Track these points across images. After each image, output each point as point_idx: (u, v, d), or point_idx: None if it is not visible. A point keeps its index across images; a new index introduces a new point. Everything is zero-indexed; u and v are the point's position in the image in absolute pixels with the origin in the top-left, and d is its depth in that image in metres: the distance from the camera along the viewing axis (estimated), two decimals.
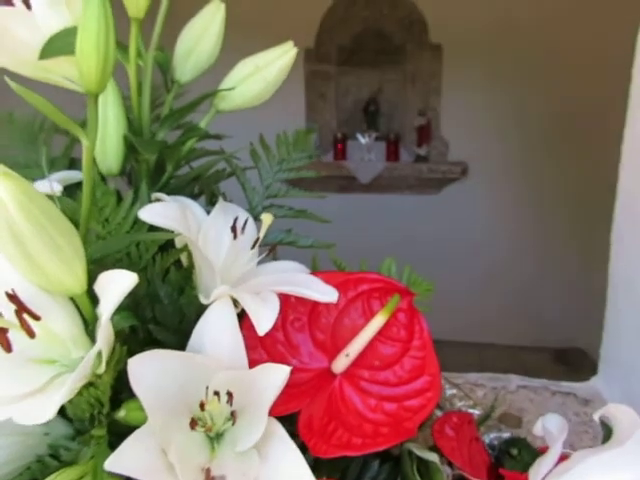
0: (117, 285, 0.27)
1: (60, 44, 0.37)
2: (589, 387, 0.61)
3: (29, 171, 0.49)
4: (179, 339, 0.39)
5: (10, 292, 0.28)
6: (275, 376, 0.31)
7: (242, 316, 0.36)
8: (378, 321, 0.40)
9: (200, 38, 0.48)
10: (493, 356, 2.46)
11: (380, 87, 2.81)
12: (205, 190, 0.47)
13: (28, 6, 0.39)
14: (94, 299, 0.33)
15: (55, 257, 0.27)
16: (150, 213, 0.35)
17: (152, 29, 0.47)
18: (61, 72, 0.42)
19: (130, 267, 0.42)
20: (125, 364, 0.31)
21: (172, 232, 0.38)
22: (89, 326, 0.34)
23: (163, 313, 0.39)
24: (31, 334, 0.28)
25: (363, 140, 2.71)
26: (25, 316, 0.28)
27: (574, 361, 2.45)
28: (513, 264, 2.73)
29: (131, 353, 0.32)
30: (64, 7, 0.38)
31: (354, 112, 2.83)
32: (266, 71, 0.46)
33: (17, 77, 0.39)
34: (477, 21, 2.52)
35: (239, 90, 0.45)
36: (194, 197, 0.51)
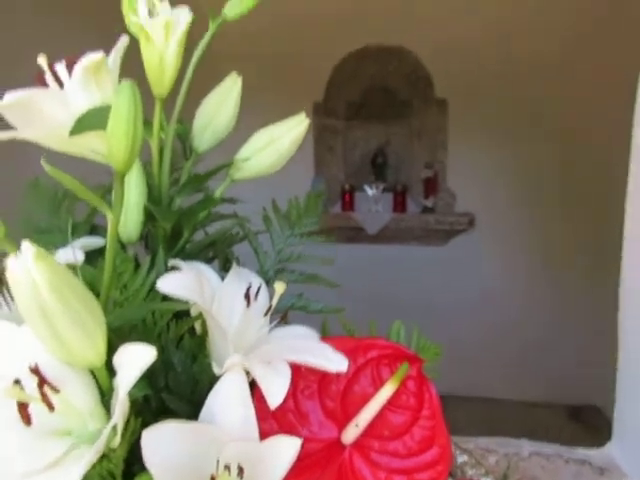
0: (137, 360, 0.28)
1: (89, 121, 0.39)
2: (604, 455, 0.60)
3: (51, 236, 0.51)
4: (192, 408, 0.40)
5: (33, 366, 0.29)
6: (286, 450, 0.32)
7: (253, 385, 0.37)
8: (388, 390, 0.41)
9: (217, 111, 0.51)
10: (505, 412, 2.40)
11: (387, 140, 2.88)
12: (219, 255, 0.49)
13: (61, 86, 0.42)
14: (111, 369, 0.34)
15: (79, 332, 0.28)
16: (168, 284, 0.36)
17: (172, 100, 0.50)
18: (87, 146, 0.44)
19: (145, 334, 0.43)
20: (138, 435, 0.31)
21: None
22: (105, 397, 0.34)
23: (176, 381, 0.39)
24: (51, 407, 0.29)
25: (370, 191, 2.76)
26: (46, 389, 0.29)
27: (589, 419, 2.38)
28: (525, 317, 2.70)
29: (144, 423, 0.33)
30: (94, 87, 0.41)
31: (362, 164, 2.89)
32: (280, 142, 0.48)
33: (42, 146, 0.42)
34: (480, 77, 2.61)
35: (254, 161, 0.47)
36: (208, 261, 0.52)
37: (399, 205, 2.78)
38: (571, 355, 2.62)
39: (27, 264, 0.25)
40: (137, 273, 0.44)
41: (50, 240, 0.51)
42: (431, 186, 2.75)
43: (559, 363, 2.64)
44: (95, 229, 0.49)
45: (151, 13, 0.37)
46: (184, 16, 0.38)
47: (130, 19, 0.40)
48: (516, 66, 2.58)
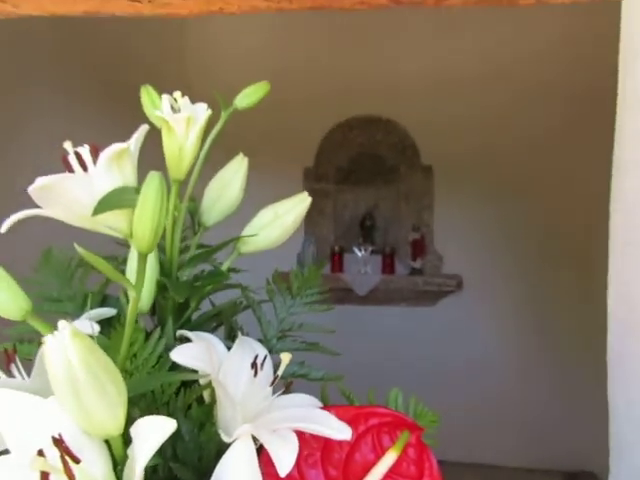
0: (156, 431, 0.30)
1: (111, 202, 0.43)
2: None
3: (62, 305, 0.53)
4: (198, 477, 0.41)
5: (57, 437, 0.30)
6: None
7: (259, 452, 0.38)
8: (390, 458, 0.42)
9: (225, 190, 0.55)
10: (501, 479, 2.34)
11: (376, 203, 2.97)
12: (225, 324, 0.51)
13: (85, 169, 0.45)
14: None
15: (104, 404, 0.30)
16: (181, 355, 0.38)
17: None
18: (104, 222, 0.48)
19: (153, 402, 0.44)
20: None
21: (196, 371, 0.41)
22: (117, 466, 0.36)
23: (184, 450, 0.41)
24: (72, 478, 0.30)
25: (360, 253, 2.81)
26: (67, 459, 0.31)
27: None
28: (516, 380, 2.68)
29: None
30: (117, 170, 0.45)
31: (351, 226, 2.96)
32: (284, 218, 0.52)
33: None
34: (463, 145, 2.73)
35: (260, 235, 0.51)
36: (212, 329, 0.55)
37: (388, 267, 2.83)
38: (567, 420, 2.59)
39: (64, 342, 0.28)
40: (147, 343, 0.46)
41: (61, 309, 0.53)
42: (418, 248, 2.81)
43: (554, 429, 2.60)
44: (106, 299, 0.51)
45: (173, 108, 0.42)
46: (202, 111, 0.42)
47: (153, 112, 0.45)
48: (499, 135, 2.72)
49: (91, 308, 0.48)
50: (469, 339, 2.74)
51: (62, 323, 0.27)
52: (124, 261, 0.49)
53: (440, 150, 2.78)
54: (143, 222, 0.34)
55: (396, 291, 2.78)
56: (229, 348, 0.47)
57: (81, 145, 0.46)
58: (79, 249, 0.34)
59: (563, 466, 2.54)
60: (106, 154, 0.42)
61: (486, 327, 2.75)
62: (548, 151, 2.66)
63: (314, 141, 2.92)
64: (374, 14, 2.79)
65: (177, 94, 0.41)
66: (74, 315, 0.51)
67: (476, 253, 2.79)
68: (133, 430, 0.33)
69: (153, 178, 0.34)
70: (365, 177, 2.95)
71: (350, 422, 0.43)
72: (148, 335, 0.48)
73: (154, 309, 0.55)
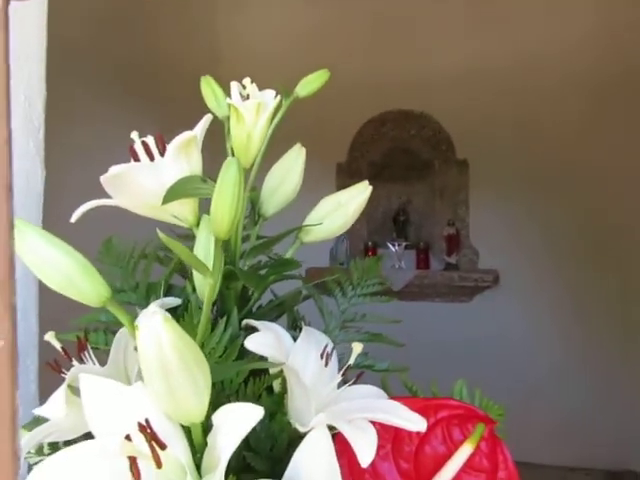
0: (244, 419, 0.30)
1: (179, 190, 0.43)
2: None
3: (124, 295, 0.53)
4: (271, 466, 0.40)
5: (144, 422, 0.30)
6: None
7: None
8: (465, 451, 0.41)
9: (284, 179, 0.54)
10: (540, 477, 2.29)
11: (409, 199, 2.94)
12: (288, 315, 0.50)
13: (152, 159, 0.45)
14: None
15: (191, 389, 0.30)
16: (255, 343, 0.38)
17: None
18: (171, 211, 0.48)
19: (222, 392, 0.44)
20: None
21: (265, 360, 0.41)
22: (196, 454, 0.36)
23: (256, 439, 0.40)
24: (159, 463, 0.30)
25: (394, 248, 2.78)
26: (155, 445, 0.31)
27: None
28: (555, 376, 2.62)
29: None
30: (184, 159, 0.45)
31: (384, 222, 2.93)
32: (347, 207, 0.51)
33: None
34: (498, 139, 2.68)
35: (324, 224, 0.50)
36: (273, 320, 0.54)
37: (422, 262, 2.79)
38: (609, 417, 2.51)
39: (156, 326, 0.27)
40: (213, 332, 0.46)
41: (124, 299, 0.53)
42: (454, 243, 2.77)
43: (595, 426, 2.53)
44: (170, 289, 0.51)
45: (242, 95, 0.41)
46: (271, 98, 0.41)
47: (214, 102, 0.44)
48: (534, 129, 2.65)
49: (157, 298, 0.48)
50: (506, 334, 2.69)
51: (153, 307, 0.27)
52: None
53: (475, 144, 2.73)
54: (222, 208, 0.34)
55: (431, 286, 2.74)
56: (292, 338, 0.47)
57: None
58: (161, 234, 0.34)
59: (605, 465, 2.47)
60: (175, 143, 0.42)
61: (523, 322, 2.69)
62: (584, 145, 2.59)
63: (347, 136, 2.91)
64: (406, 7, 2.76)
65: (246, 81, 0.41)
66: (138, 306, 0.52)
67: (512, 248, 2.73)
68: (217, 417, 0.33)
69: (231, 164, 0.34)
70: (398, 173, 2.92)
71: (419, 414, 0.42)
72: (212, 325, 0.48)
73: (215, 299, 0.55)
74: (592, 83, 2.57)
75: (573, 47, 2.58)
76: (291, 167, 0.55)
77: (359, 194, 0.52)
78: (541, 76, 2.63)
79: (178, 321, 0.46)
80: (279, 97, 0.41)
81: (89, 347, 0.44)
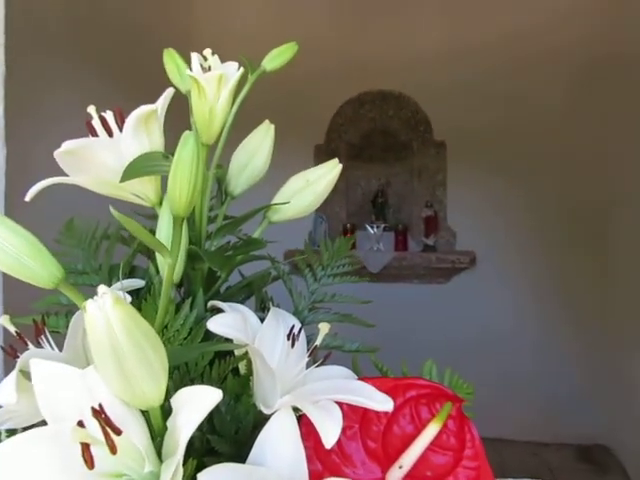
0: (202, 401, 0.29)
1: (139, 167, 0.41)
2: None
3: (87, 277, 0.52)
4: (235, 448, 0.40)
5: (97, 407, 0.29)
6: None
7: None
8: (432, 430, 0.41)
9: (252, 157, 0.53)
10: (514, 453, 2.35)
11: (388, 180, 2.93)
12: (256, 296, 0.49)
13: (110, 135, 0.43)
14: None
15: (146, 373, 0.29)
16: (218, 325, 0.37)
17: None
18: (132, 190, 0.46)
19: (186, 374, 0.43)
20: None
21: (231, 341, 0.39)
22: (155, 438, 0.35)
23: (221, 422, 0.40)
24: (113, 449, 0.29)
25: (372, 230, 2.78)
26: (108, 430, 0.29)
27: (598, 459, 2.33)
28: (530, 356, 2.68)
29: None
30: (145, 135, 0.43)
31: (362, 204, 2.93)
32: (316, 185, 0.50)
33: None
34: (476, 119, 2.68)
35: (292, 203, 0.49)
36: (241, 301, 0.53)
37: (400, 244, 2.80)
38: (580, 394, 2.58)
39: (105, 308, 0.26)
40: (178, 314, 0.45)
41: (87, 281, 0.52)
42: (432, 225, 2.78)
43: (566, 403, 2.60)
44: (134, 271, 0.50)
45: (203, 67, 0.39)
46: (234, 71, 0.40)
47: (177, 76, 0.42)
48: (513, 109, 2.65)
49: (119, 280, 0.47)
50: (482, 315, 2.73)
51: (102, 288, 0.26)
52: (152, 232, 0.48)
53: (453, 125, 2.73)
54: (180, 185, 0.32)
55: (409, 268, 2.76)
56: (260, 319, 0.46)
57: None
58: (115, 212, 0.32)
59: (576, 439, 2.54)
60: (134, 116, 0.40)
61: (499, 303, 2.73)
62: (565, 126, 2.60)
63: (325, 118, 2.88)
64: None
65: (207, 52, 0.39)
66: None
67: (490, 230, 2.76)
68: (175, 400, 0.32)
69: (188, 138, 0.32)
70: (377, 154, 2.91)
71: (388, 394, 0.41)
72: (177, 307, 0.47)
73: (181, 281, 0.53)
74: (576, 62, 2.57)
75: (556, 23, 2.57)
76: (260, 144, 0.53)
77: (329, 172, 0.50)
78: (521, 56, 2.62)
79: (141, 303, 0.45)
80: (242, 69, 0.40)
81: (47, 331, 0.43)
